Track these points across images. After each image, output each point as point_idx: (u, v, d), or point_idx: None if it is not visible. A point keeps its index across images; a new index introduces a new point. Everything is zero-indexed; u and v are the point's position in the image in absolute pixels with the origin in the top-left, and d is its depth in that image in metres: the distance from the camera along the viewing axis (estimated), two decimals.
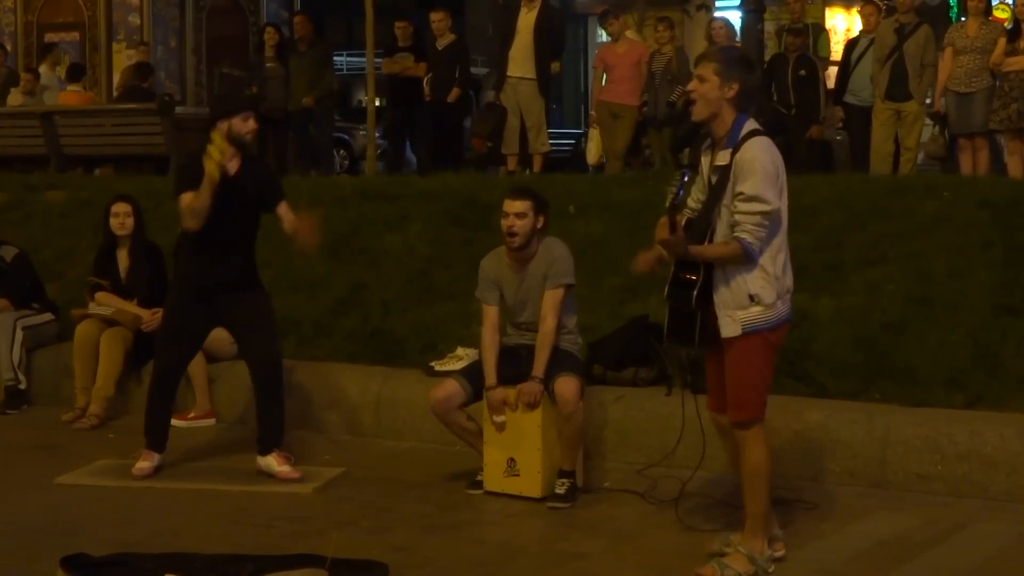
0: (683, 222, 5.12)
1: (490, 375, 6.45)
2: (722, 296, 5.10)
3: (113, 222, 8.38)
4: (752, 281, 5.07)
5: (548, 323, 6.41)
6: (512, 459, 6.42)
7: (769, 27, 15.12)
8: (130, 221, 8.37)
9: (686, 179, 5.02)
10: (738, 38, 12.79)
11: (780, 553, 5.35)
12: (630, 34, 13.36)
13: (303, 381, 7.79)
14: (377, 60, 13.40)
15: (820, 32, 14.22)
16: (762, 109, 11.87)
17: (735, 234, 5.00)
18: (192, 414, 8.01)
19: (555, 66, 13.04)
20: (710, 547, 5.40)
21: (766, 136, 5.13)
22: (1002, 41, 10.91)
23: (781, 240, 5.15)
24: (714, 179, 5.14)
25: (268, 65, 14.08)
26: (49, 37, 18.48)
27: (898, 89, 11.55)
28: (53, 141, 13.98)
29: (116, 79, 17.62)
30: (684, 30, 19.63)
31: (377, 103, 14.13)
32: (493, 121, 12.54)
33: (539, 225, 6.46)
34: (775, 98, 12.54)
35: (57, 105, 14.99)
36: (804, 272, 7.82)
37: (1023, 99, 10.64)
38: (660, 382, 7.01)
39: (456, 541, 5.78)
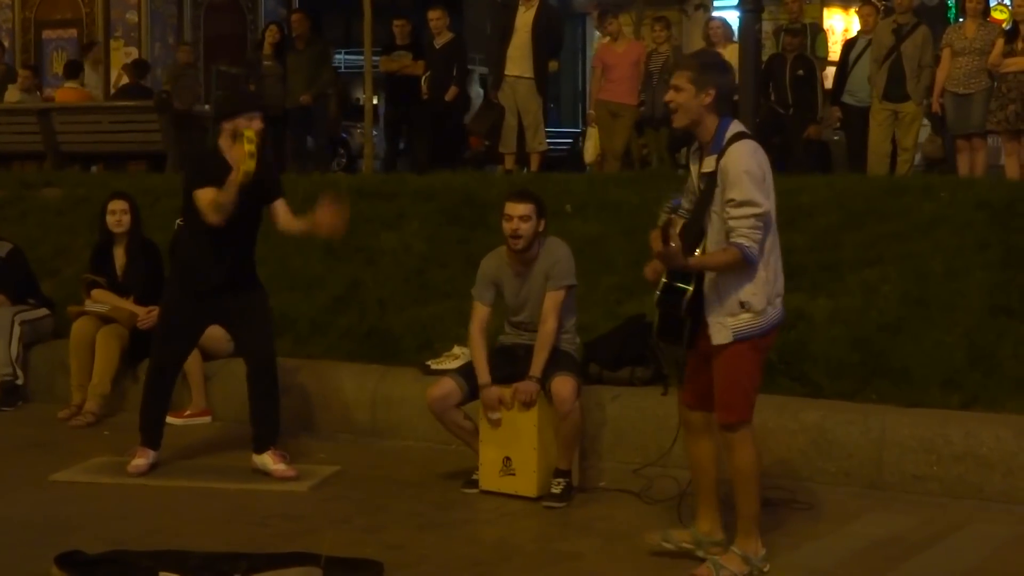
0: (679, 229, 5.09)
1: (482, 373, 6.45)
2: (712, 304, 5.09)
3: (110, 219, 8.38)
4: (743, 288, 5.05)
5: (549, 324, 6.42)
6: (508, 458, 6.42)
7: (767, 27, 15.11)
8: (127, 218, 8.37)
9: (676, 204, 5.01)
10: (735, 38, 12.76)
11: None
12: (626, 30, 13.37)
13: (299, 379, 7.79)
14: (375, 58, 13.39)
15: (818, 32, 14.21)
16: (759, 109, 11.88)
17: (732, 239, 4.99)
18: (188, 412, 8.01)
19: (553, 65, 13.03)
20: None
21: (751, 139, 5.13)
22: (1000, 42, 10.92)
23: (772, 243, 5.13)
24: (702, 186, 5.14)
25: (266, 63, 14.07)
26: (47, 34, 18.50)
27: (896, 90, 11.56)
28: (50, 138, 13.97)
29: (113, 76, 17.62)
30: (682, 30, 19.62)
31: (375, 101, 14.13)
32: (491, 120, 12.54)
33: (540, 228, 6.49)
34: (773, 98, 12.54)
35: (54, 102, 15.01)
36: (801, 272, 7.84)
37: (1020, 100, 10.64)
38: (656, 382, 7.01)
39: (451, 540, 5.78)
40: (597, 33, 14.42)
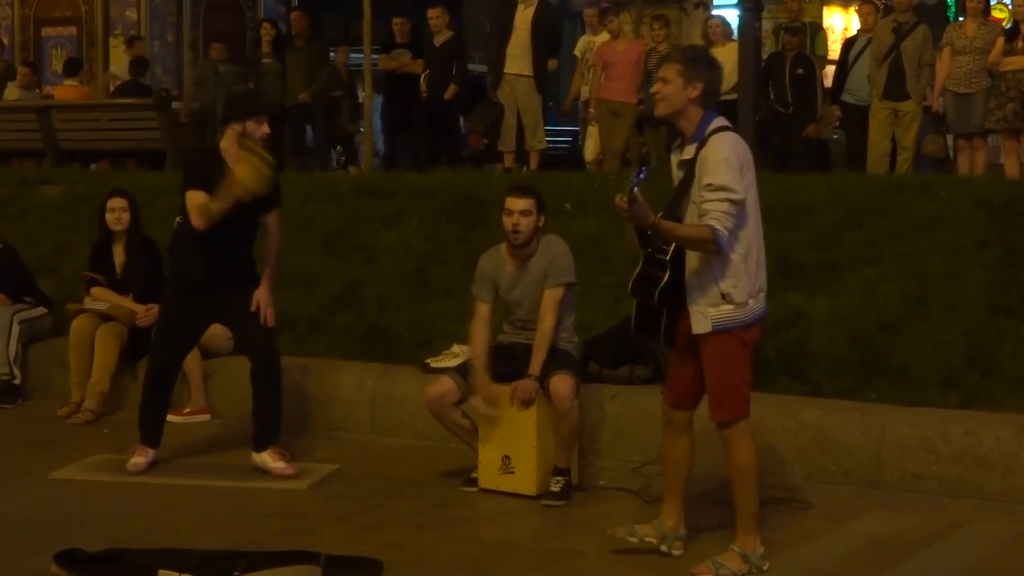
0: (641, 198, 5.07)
1: (480, 372, 6.44)
2: (694, 293, 5.12)
3: (109, 217, 8.37)
4: (724, 279, 5.07)
5: (547, 322, 6.42)
6: (507, 457, 6.42)
7: (767, 25, 15.10)
8: (126, 216, 8.37)
9: (642, 176, 5.04)
10: (735, 36, 12.76)
11: (678, 552, 5.40)
12: (626, 28, 13.37)
13: (298, 377, 7.78)
14: (374, 56, 13.38)
15: (818, 31, 14.22)
16: (759, 107, 11.87)
17: (704, 222, 5.01)
18: (187, 409, 8.01)
19: (552, 63, 13.03)
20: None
21: (733, 132, 5.17)
22: (1000, 41, 10.92)
23: (753, 237, 5.14)
24: (681, 174, 5.16)
25: (265, 61, 14.07)
26: (46, 31, 18.49)
27: (896, 88, 11.56)
28: (50, 135, 13.96)
29: (109, 71, 17.62)
30: (681, 28, 19.62)
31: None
32: (490, 118, 12.53)
33: (540, 223, 6.50)
34: (772, 97, 12.54)
35: (53, 99, 15.00)
36: (800, 271, 7.85)
37: (1019, 99, 10.64)
38: (656, 380, 6.99)
39: (450, 538, 5.77)
40: (588, 31, 14.36)
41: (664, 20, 13.24)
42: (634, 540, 5.39)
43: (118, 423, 7.85)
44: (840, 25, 21.85)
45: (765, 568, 5.22)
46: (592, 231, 8.80)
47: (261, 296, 6.78)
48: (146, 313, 8.11)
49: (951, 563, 5.43)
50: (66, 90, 15.33)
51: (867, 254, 8.06)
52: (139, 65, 15.80)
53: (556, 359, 6.40)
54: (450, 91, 12.92)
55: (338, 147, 16.05)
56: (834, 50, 14.88)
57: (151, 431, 6.94)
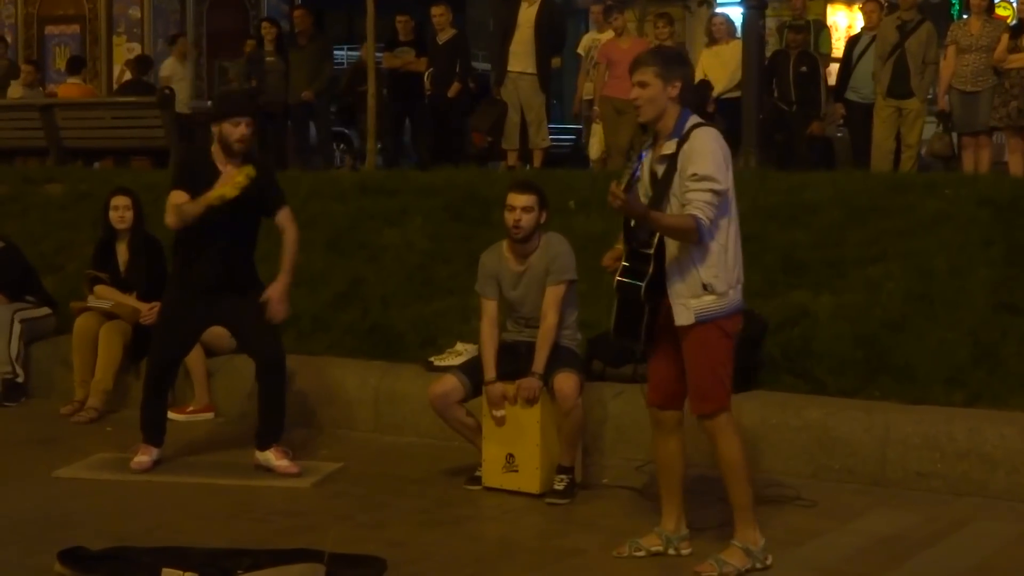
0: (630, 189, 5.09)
1: (489, 369, 6.45)
2: (675, 285, 5.13)
3: (112, 215, 8.37)
4: (705, 271, 5.10)
5: (549, 319, 6.41)
6: (511, 455, 6.41)
7: (770, 23, 15.09)
8: (129, 214, 8.36)
9: (642, 160, 5.04)
10: (739, 34, 12.76)
11: (687, 551, 5.38)
12: (630, 26, 13.35)
13: (302, 376, 7.77)
14: (378, 54, 13.37)
15: (821, 29, 14.21)
16: (763, 105, 11.88)
17: (688, 211, 5.03)
18: (191, 408, 8.00)
19: (556, 61, 13.01)
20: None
21: (712, 127, 5.22)
22: (1005, 38, 10.91)
23: (733, 230, 5.18)
24: (660, 169, 5.17)
25: (268, 59, 14.06)
26: (49, 30, 18.51)
27: (900, 86, 11.54)
28: (53, 134, 13.96)
29: (116, 72, 17.63)
30: (685, 26, 19.60)
31: None
32: (493, 116, 12.52)
33: (542, 220, 6.49)
34: (776, 94, 12.54)
35: (56, 98, 15.00)
36: (804, 269, 7.84)
37: (1023, 96, 10.63)
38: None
39: (454, 537, 5.77)
40: (592, 28, 14.34)
41: (668, 18, 13.21)
42: (641, 554, 5.37)
43: (121, 421, 7.85)
44: (844, 22, 21.84)
45: (768, 562, 5.22)
46: (596, 229, 8.78)
47: (274, 292, 6.73)
48: (149, 311, 8.10)
49: (955, 561, 5.42)
50: (69, 88, 15.33)
51: (871, 252, 8.05)
52: (142, 63, 15.81)
53: (559, 357, 6.40)
54: (453, 89, 12.92)
55: (342, 145, 16.03)
56: (838, 48, 14.87)
57: (153, 430, 6.94)
